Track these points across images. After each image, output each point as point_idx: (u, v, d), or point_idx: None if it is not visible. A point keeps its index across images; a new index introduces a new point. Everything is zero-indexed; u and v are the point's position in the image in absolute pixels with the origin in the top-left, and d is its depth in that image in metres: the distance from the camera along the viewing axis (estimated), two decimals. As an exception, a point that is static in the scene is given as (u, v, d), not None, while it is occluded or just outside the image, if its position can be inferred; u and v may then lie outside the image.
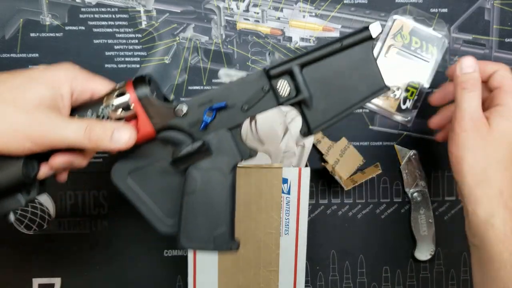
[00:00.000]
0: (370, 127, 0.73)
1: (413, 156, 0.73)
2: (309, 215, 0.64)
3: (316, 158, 0.73)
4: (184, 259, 0.65)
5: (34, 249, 0.72)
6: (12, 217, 0.48)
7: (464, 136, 0.51)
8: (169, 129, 0.47)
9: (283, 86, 0.46)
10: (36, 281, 0.73)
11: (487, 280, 0.50)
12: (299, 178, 0.61)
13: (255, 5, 0.70)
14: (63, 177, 0.51)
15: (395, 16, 0.70)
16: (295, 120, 0.63)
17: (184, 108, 0.46)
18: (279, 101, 0.47)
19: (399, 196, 0.74)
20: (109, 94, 0.47)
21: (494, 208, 0.50)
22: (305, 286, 0.68)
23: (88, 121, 0.45)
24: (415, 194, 0.73)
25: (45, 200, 0.72)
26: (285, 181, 0.61)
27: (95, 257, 0.73)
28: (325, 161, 0.72)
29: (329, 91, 0.46)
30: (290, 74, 0.46)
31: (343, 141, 0.73)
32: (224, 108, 0.47)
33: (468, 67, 0.53)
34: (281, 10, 0.70)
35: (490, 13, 0.72)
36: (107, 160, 0.72)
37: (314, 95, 0.46)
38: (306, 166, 0.63)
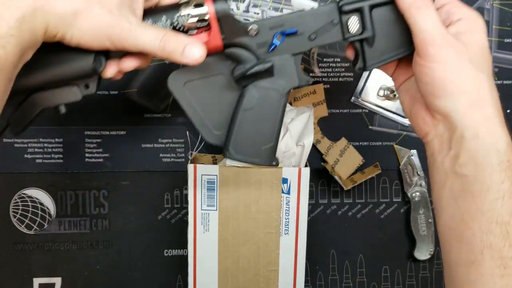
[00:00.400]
0: (370, 127, 0.73)
1: (413, 156, 0.73)
2: (308, 215, 0.64)
3: (316, 158, 0.73)
4: (184, 258, 0.65)
5: (34, 249, 0.73)
6: (63, 109, 0.50)
7: (445, 54, 0.44)
8: (236, 46, 0.50)
9: (353, 23, 0.49)
10: (37, 281, 0.73)
11: (474, 214, 0.43)
12: (299, 178, 0.61)
13: (255, 6, 0.70)
14: (119, 76, 0.51)
15: None
16: (295, 120, 0.63)
17: (256, 29, 0.49)
18: (344, 36, 0.50)
19: (399, 196, 0.74)
20: (186, 3, 0.48)
21: (498, 130, 0.44)
22: (305, 285, 0.68)
23: (164, 31, 0.46)
24: (415, 194, 0.73)
25: (46, 199, 0.72)
26: (285, 181, 0.61)
27: (95, 257, 0.73)
28: (325, 161, 0.73)
29: (389, 34, 0.49)
30: (360, 12, 0.48)
31: (343, 141, 0.73)
32: (293, 34, 0.49)
33: None
34: (281, 11, 0.70)
35: (489, 13, 0.72)
36: (107, 160, 0.72)
37: (376, 35, 0.49)
38: (306, 166, 0.63)
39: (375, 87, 0.72)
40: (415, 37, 0.46)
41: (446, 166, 0.46)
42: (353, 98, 0.72)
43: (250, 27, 0.49)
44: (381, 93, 0.71)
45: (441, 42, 0.44)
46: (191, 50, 0.46)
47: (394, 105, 0.72)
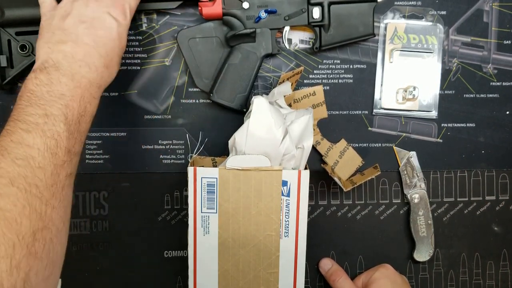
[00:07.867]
0: (369, 128, 0.73)
1: (412, 158, 0.73)
2: (308, 216, 0.64)
3: (316, 159, 0.73)
4: (184, 260, 0.65)
5: (34, 250, 0.73)
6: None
7: None
8: (231, 16, 0.66)
9: (316, 12, 0.67)
10: (37, 282, 0.73)
11: None
12: (299, 181, 0.61)
13: None
14: None
15: (386, 21, 0.71)
16: (295, 122, 0.63)
17: (248, 5, 0.66)
18: (308, 21, 0.67)
19: (398, 197, 0.74)
20: None
21: None
22: (305, 287, 0.68)
23: None
24: (414, 195, 0.73)
25: (46, 201, 0.72)
26: (284, 183, 0.61)
27: (95, 257, 0.74)
28: (324, 163, 0.73)
29: (340, 24, 0.68)
30: (321, 5, 0.67)
31: (343, 142, 0.73)
32: (273, 13, 0.66)
33: (327, 265, 0.73)
34: None
35: (488, 15, 0.72)
36: (107, 161, 0.72)
37: (331, 24, 0.67)
38: (306, 168, 0.63)
39: (392, 93, 0.72)
40: None
41: None
42: (374, 111, 0.72)
43: (244, 3, 0.66)
44: (400, 96, 0.71)
45: None
46: None
47: (416, 104, 0.72)
